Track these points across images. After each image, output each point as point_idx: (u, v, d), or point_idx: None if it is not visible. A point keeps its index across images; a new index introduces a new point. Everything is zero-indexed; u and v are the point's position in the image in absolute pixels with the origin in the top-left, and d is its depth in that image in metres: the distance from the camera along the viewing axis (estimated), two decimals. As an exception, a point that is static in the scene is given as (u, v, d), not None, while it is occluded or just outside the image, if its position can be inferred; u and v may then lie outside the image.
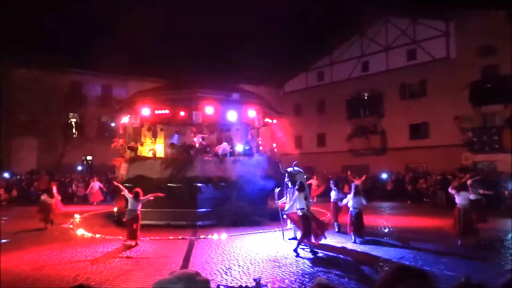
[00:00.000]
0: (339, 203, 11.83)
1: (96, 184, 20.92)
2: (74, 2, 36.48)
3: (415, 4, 27.46)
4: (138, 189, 10.72)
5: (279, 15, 37.51)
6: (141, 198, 10.52)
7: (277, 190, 11.08)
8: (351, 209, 10.63)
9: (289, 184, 10.71)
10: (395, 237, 11.08)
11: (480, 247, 9.67)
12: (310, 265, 8.09)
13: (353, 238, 10.39)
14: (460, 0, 24.63)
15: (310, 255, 8.88)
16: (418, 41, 27.92)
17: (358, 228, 10.48)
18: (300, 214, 9.36)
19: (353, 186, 10.93)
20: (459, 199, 10.15)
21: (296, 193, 9.63)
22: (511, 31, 22.20)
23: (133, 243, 10.04)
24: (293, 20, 37.97)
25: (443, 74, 25.73)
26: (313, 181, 19.72)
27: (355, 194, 10.66)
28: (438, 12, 26.28)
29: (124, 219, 10.62)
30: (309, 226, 9.22)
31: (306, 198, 10.42)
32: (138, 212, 10.42)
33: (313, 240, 9.33)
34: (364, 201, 10.77)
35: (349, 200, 10.80)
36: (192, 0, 38.55)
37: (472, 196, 10.85)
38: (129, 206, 10.52)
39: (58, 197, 14.27)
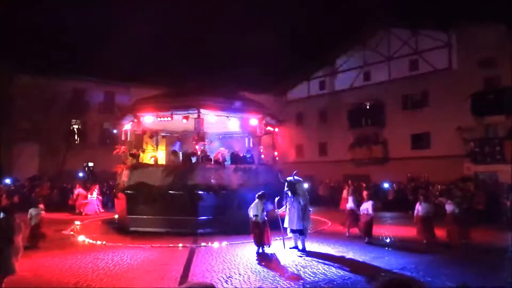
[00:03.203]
0: (355, 210, 12.48)
1: (81, 191, 19.83)
2: (77, 9, 36.81)
3: (417, 16, 27.68)
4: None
5: (282, 24, 37.79)
6: None
7: (276, 199, 11.08)
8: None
9: (289, 193, 10.71)
10: (397, 247, 11.04)
11: (483, 259, 9.62)
12: (311, 274, 8.06)
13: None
14: (461, 12, 24.82)
15: (311, 264, 8.85)
16: (420, 52, 28.03)
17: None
18: (253, 220, 9.97)
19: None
20: (450, 207, 11.61)
21: (256, 200, 10.13)
22: (512, 43, 22.36)
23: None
24: (296, 30, 38.20)
25: (445, 84, 25.78)
26: (345, 192, 20.62)
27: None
28: (440, 24, 26.45)
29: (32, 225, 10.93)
30: (259, 233, 9.85)
31: (305, 207, 10.48)
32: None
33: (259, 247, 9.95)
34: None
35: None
36: (195, 9, 38.92)
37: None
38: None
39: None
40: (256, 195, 10.32)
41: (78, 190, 20.07)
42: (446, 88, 25.60)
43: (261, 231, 9.90)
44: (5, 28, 27.09)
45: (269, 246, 10.11)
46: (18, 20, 29.44)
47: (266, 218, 10.11)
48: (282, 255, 9.91)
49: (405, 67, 28.84)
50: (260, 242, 9.92)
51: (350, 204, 12.98)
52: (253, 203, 10.23)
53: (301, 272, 8.21)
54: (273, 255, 9.89)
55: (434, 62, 27.18)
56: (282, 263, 9.01)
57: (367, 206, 11.87)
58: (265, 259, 9.37)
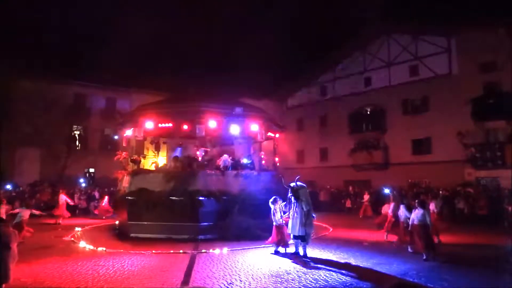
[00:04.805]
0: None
1: (62, 197, 18.52)
2: (79, 14, 36.99)
3: (417, 21, 27.76)
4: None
5: (282, 29, 37.91)
6: None
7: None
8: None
9: (292, 199, 10.70)
10: (399, 253, 10.99)
11: (484, 265, 9.58)
12: (313, 281, 8.02)
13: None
14: (461, 17, 24.89)
15: (312, 270, 8.82)
16: (420, 57, 28.10)
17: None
18: (276, 224, 10.90)
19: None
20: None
21: (272, 206, 10.94)
22: (512, 47, 22.41)
23: None
24: (296, 35, 38.32)
25: (445, 90, 25.83)
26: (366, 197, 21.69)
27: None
28: (440, 29, 26.53)
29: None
30: (281, 234, 10.77)
31: (309, 213, 10.46)
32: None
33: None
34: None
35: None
36: (196, 14, 39.06)
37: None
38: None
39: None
40: (270, 201, 11.03)
41: (103, 199, 20.47)
42: (447, 93, 25.65)
43: (282, 233, 10.76)
44: (6, 32, 27.21)
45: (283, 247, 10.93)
46: (19, 24, 29.58)
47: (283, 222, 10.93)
48: (283, 261, 9.87)
49: (405, 72, 28.91)
50: (284, 241, 10.77)
51: (400, 211, 11.86)
52: (272, 209, 11.01)
53: (302, 279, 8.16)
54: (275, 260, 9.86)
55: (434, 67, 27.24)
56: (283, 270, 8.97)
57: (400, 211, 11.49)
58: (269, 264, 9.34)
